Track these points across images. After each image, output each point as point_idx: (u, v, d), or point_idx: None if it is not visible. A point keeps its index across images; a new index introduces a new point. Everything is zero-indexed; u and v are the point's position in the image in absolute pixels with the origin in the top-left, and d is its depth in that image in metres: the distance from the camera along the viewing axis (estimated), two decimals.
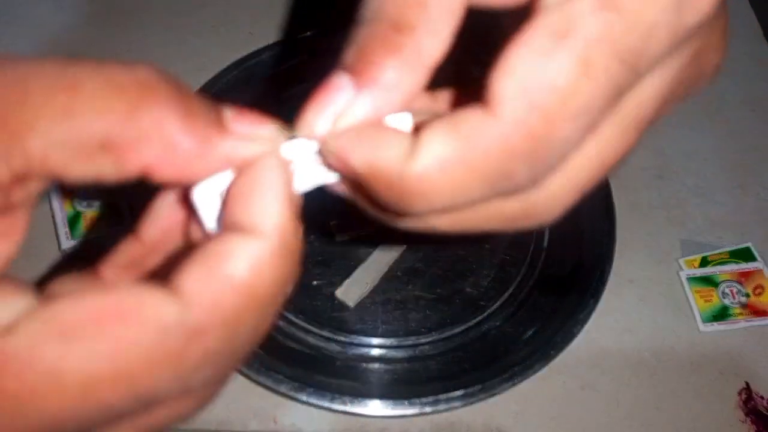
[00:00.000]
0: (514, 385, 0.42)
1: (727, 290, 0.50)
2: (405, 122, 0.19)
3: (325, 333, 0.46)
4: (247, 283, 0.17)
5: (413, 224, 0.20)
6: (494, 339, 0.47)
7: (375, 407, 0.41)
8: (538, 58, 0.16)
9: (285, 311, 0.46)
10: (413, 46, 0.17)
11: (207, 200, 0.19)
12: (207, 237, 0.19)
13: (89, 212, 0.49)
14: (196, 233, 0.21)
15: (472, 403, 0.42)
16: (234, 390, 0.44)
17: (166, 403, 0.17)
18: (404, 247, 0.50)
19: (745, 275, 0.50)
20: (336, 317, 0.47)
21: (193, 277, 0.16)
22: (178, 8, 0.64)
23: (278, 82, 0.56)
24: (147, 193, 0.21)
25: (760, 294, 0.50)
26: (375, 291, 0.48)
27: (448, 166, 0.17)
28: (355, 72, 0.18)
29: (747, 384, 0.47)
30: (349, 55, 0.18)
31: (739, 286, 0.50)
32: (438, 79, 0.19)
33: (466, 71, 0.26)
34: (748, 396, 0.46)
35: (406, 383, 0.44)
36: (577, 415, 0.45)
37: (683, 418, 0.45)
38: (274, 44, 0.58)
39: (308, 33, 0.57)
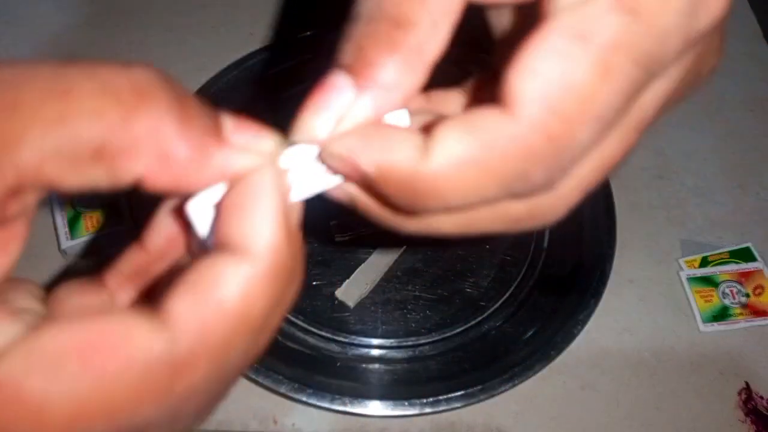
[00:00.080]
0: (514, 385, 0.42)
1: (727, 290, 0.50)
2: (403, 119, 0.19)
3: (325, 333, 0.46)
4: (238, 308, 0.16)
5: (417, 227, 0.20)
6: (494, 339, 0.47)
7: (375, 407, 0.41)
8: (557, 60, 0.16)
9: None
10: (415, 44, 0.17)
11: (201, 212, 0.18)
12: (201, 249, 0.19)
13: (89, 212, 0.49)
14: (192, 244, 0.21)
15: (472, 404, 0.41)
16: (234, 390, 0.43)
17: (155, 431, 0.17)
18: (404, 247, 0.50)
19: (746, 275, 0.50)
20: (336, 318, 0.47)
21: (182, 304, 0.16)
22: (178, 8, 0.64)
23: (278, 82, 0.56)
24: (148, 194, 0.21)
25: (760, 294, 0.50)
26: (375, 291, 0.48)
27: (464, 166, 0.17)
28: (354, 71, 0.18)
29: (747, 384, 0.47)
30: (347, 53, 0.18)
31: (739, 287, 0.50)
32: (438, 80, 0.19)
33: (466, 71, 0.26)
34: (748, 396, 0.46)
35: (406, 383, 0.44)
36: (577, 415, 0.45)
37: (683, 418, 0.45)
38: (274, 44, 0.58)
39: (308, 33, 0.57)
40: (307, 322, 0.46)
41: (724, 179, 0.57)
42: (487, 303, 0.48)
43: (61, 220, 0.48)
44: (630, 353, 0.48)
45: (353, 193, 0.20)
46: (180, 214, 0.19)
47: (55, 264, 0.48)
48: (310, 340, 0.46)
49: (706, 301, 0.49)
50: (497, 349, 0.46)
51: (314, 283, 0.48)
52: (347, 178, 0.19)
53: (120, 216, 0.49)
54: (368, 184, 0.18)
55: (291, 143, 0.19)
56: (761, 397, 0.46)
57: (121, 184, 0.16)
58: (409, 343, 0.46)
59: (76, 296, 0.21)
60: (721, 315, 0.49)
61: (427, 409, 0.41)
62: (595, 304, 0.45)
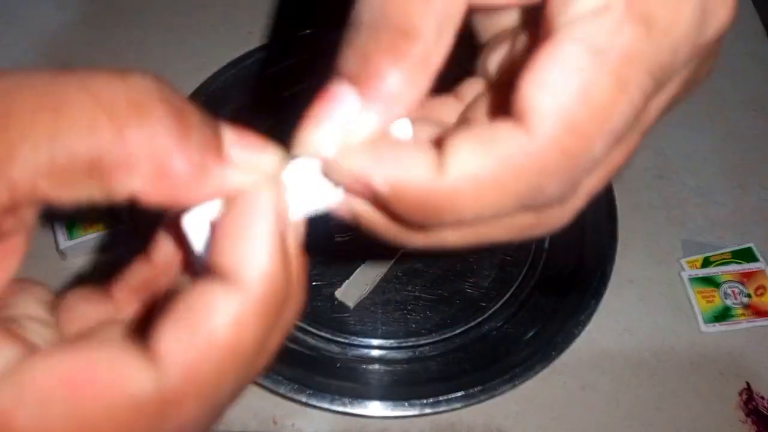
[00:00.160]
0: (514, 385, 0.42)
1: (729, 291, 0.50)
2: (405, 129, 0.18)
3: (325, 334, 0.46)
4: (228, 342, 0.16)
5: (425, 242, 0.19)
6: (495, 340, 0.46)
7: (375, 408, 0.41)
8: (574, 74, 0.15)
9: None
10: (420, 54, 0.17)
11: (197, 227, 0.18)
12: (197, 264, 0.18)
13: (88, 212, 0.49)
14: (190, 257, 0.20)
15: (472, 404, 0.41)
16: None
17: None
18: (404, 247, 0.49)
19: (747, 276, 0.50)
20: (336, 318, 0.47)
21: (171, 339, 0.15)
22: (177, 8, 0.64)
23: (277, 81, 0.56)
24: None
25: (762, 294, 0.50)
26: (375, 292, 0.48)
27: (480, 181, 0.16)
28: (359, 82, 0.17)
29: (748, 384, 0.47)
30: (350, 62, 0.17)
31: (741, 287, 0.50)
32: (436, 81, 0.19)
33: (466, 72, 0.25)
34: (748, 396, 0.46)
35: (406, 384, 0.44)
36: (577, 416, 0.45)
37: (683, 418, 0.45)
38: (273, 43, 0.58)
39: (307, 32, 0.57)
40: (307, 323, 0.46)
41: (725, 179, 0.56)
42: (487, 303, 0.48)
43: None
44: (631, 353, 0.47)
45: (358, 209, 0.19)
46: (176, 228, 0.19)
47: (54, 265, 0.48)
48: (310, 340, 0.46)
49: (707, 302, 0.49)
50: (498, 349, 0.45)
51: (314, 283, 0.48)
52: (355, 194, 0.18)
53: (119, 216, 0.48)
54: (379, 201, 0.18)
55: (293, 157, 0.18)
56: (762, 398, 0.46)
57: (116, 198, 0.16)
58: (409, 344, 0.46)
59: (83, 305, 0.21)
60: (723, 315, 0.49)
61: (427, 410, 0.41)
62: (596, 305, 0.45)
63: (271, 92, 0.56)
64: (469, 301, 0.48)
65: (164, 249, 0.21)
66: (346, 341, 0.46)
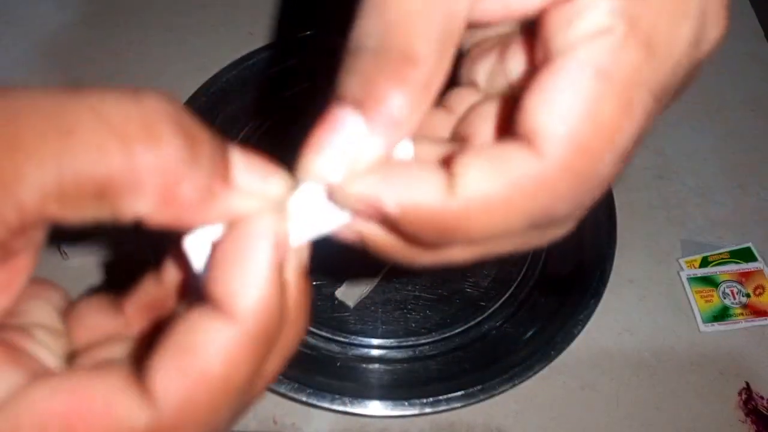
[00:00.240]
0: (514, 385, 0.42)
1: (727, 290, 0.50)
2: (407, 150, 0.18)
3: (325, 333, 0.46)
4: (222, 375, 0.16)
5: (432, 260, 0.20)
6: (494, 339, 0.47)
7: (375, 407, 0.41)
8: (581, 98, 0.16)
9: None
10: (424, 78, 0.17)
11: (199, 248, 0.18)
12: (198, 284, 0.18)
13: None
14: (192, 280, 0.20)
15: (472, 404, 0.41)
16: None
17: None
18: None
19: (746, 275, 0.50)
20: (336, 318, 0.47)
21: (165, 374, 0.16)
22: (178, 8, 0.64)
23: (277, 82, 0.56)
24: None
25: (760, 294, 0.50)
26: (375, 291, 0.48)
27: (491, 203, 0.16)
28: (364, 107, 0.17)
29: (747, 384, 0.47)
30: (354, 87, 0.17)
31: (739, 287, 0.50)
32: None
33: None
34: (748, 396, 0.46)
35: (406, 384, 0.44)
36: (577, 415, 0.45)
37: (683, 418, 0.45)
38: (274, 44, 0.58)
39: (308, 32, 0.57)
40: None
41: (725, 179, 0.57)
42: (487, 303, 0.48)
43: None
44: (630, 353, 0.48)
45: (365, 231, 0.19)
46: (178, 249, 0.19)
47: (54, 265, 0.48)
48: (310, 340, 0.46)
49: (706, 301, 0.49)
50: (497, 349, 0.46)
51: (314, 282, 0.48)
52: (363, 217, 0.18)
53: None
54: (388, 223, 0.18)
55: (299, 183, 0.18)
56: (761, 398, 0.46)
57: (121, 219, 0.16)
58: (409, 343, 0.46)
59: (93, 316, 0.21)
60: (722, 315, 0.49)
61: (427, 409, 0.41)
62: (595, 304, 0.45)
63: (271, 92, 0.56)
64: (469, 301, 0.48)
65: (173, 271, 0.21)
66: (346, 341, 0.46)
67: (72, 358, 0.20)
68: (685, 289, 0.50)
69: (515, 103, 0.17)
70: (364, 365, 0.45)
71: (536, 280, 0.49)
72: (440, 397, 0.41)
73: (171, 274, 0.21)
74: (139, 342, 0.21)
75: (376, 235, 0.19)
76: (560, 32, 0.16)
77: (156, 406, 0.15)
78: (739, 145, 0.59)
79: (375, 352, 0.46)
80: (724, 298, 0.49)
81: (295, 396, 0.41)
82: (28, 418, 0.15)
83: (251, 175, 0.18)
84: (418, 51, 0.16)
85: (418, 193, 0.17)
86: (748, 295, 0.50)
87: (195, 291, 0.20)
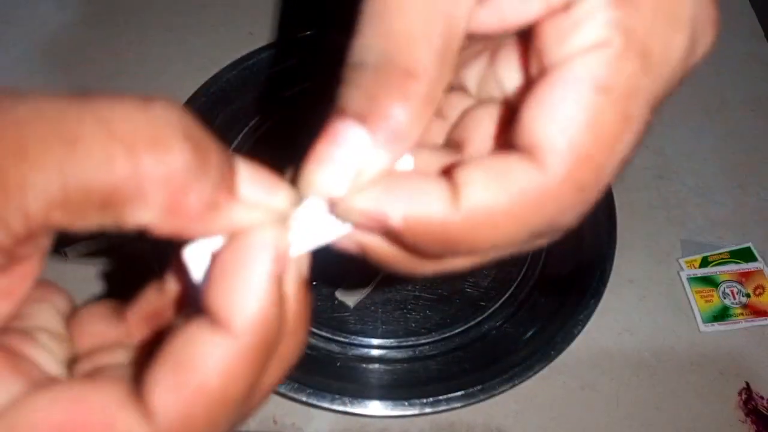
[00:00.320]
0: (514, 385, 0.42)
1: (727, 290, 0.50)
2: (407, 161, 0.18)
3: (325, 333, 0.46)
4: (219, 388, 0.16)
5: (434, 270, 0.20)
6: (494, 339, 0.47)
7: (375, 407, 0.41)
8: (582, 111, 0.16)
9: None
10: (426, 91, 0.17)
11: (198, 259, 0.18)
12: (197, 295, 0.18)
13: None
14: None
15: (472, 404, 0.41)
16: None
17: None
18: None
19: (746, 275, 0.50)
20: (336, 318, 0.47)
21: (162, 388, 0.16)
22: (178, 8, 0.64)
23: (277, 82, 0.56)
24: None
25: (760, 294, 0.50)
26: (375, 291, 0.48)
27: (495, 215, 0.17)
28: (367, 120, 0.17)
29: (747, 384, 0.47)
30: (356, 102, 0.17)
31: (739, 287, 0.50)
32: None
33: None
34: (748, 396, 0.46)
35: (406, 384, 0.44)
36: (577, 415, 0.45)
37: (683, 418, 0.45)
38: (274, 44, 0.58)
39: (308, 32, 0.57)
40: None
41: (724, 179, 0.57)
42: (487, 303, 0.48)
43: None
44: (630, 353, 0.48)
45: (367, 243, 0.19)
46: (178, 258, 0.19)
47: (56, 265, 0.48)
48: (310, 340, 0.46)
49: (706, 301, 0.49)
50: (497, 349, 0.46)
51: (314, 282, 0.48)
52: (367, 229, 0.18)
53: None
54: (391, 235, 0.18)
55: (302, 196, 0.18)
56: (761, 398, 0.46)
57: (126, 228, 0.16)
58: (409, 343, 0.46)
59: (96, 322, 0.21)
60: (722, 315, 0.49)
61: (427, 409, 0.41)
62: (595, 304, 0.45)
63: (271, 93, 0.56)
64: (469, 301, 0.48)
65: (175, 282, 0.21)
66: (347, 340, 0.46)
67: (74, 363, 0.20)
68: (685, 289, 0.50)
69: (512, 113, 0.17)
70: (364, 365, 0.45)
71: (536, 280, 0.49)
72: (440, 397, 0.41)
73: (173, 283, 0.21)
74: (140, 350, 0.21)
75: (378, 246, 0.19)
76: (557, 44, 0.17)
77: (154, 421, 0.16)
78: (739, 145, 0.59)
79: (375, 352, 0.46)
80: (724, 298, 0.49)
81: (295, 396, 0.41)
82: (25, 428, 0.15)
83: (256, 188, 0.18)
84: (418, 64, 0.17)
85: (423, 206, 0.17)
86: (748, 295, 0.50)
87: (194, 302, 0.20)
